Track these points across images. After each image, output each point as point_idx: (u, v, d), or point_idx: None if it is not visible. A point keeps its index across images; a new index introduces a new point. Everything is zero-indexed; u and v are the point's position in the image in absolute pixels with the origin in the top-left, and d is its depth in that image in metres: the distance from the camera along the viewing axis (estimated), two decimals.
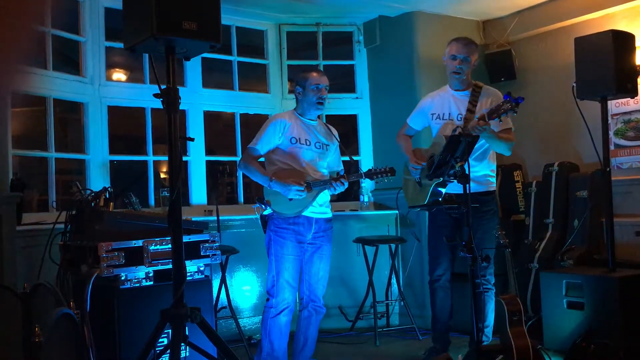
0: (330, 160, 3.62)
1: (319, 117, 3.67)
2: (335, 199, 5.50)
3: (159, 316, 2.51)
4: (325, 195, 3.51)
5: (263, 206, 3.41)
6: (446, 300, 3.78)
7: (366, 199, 5.25)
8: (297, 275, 3.46)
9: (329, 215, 3.59)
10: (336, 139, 3.66)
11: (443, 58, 3.79)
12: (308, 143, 3.50)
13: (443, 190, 3.49)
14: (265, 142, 3.48)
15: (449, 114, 3.69)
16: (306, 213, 3.42)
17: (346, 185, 3.41)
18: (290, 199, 3.37)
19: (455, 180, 3.14)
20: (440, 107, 3.74)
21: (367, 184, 5.25)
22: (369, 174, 3.46)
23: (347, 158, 3.78)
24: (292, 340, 3.60)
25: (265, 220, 3.47)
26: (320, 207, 3.50)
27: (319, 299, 3.56)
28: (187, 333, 2.57)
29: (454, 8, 5.14)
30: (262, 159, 3.62)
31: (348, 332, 4.90)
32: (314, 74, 3.54)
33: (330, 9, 5.20)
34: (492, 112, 3.27)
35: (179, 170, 2.50)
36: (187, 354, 2.84)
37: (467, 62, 3.66)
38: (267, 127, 3.49)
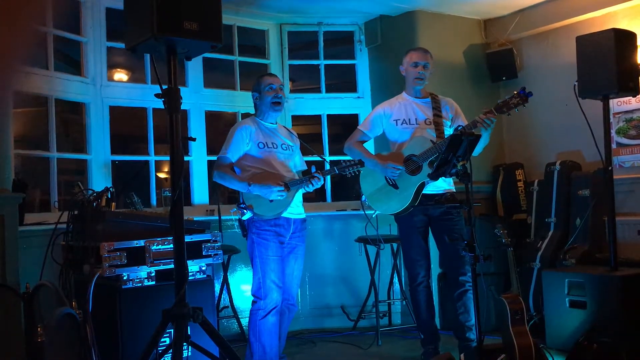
0: (296, 161, 3.72)
1: (277, 122, 3.75)
2: (336, 198, 5.57)
3: (161, 316, 2.51)
4: (299, 196, 3.59)
5: (244, 211, 3.44)
6: (431, 300, 3.83)
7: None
8: (281, 275, 3.49)
9: (304, 215, 3.66)
10: (297, 140, 3.78)
11: (400, 68, 3.94)
12: (275, 146, 3.58)
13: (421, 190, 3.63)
14: (235, 150, 3.52)
15: (416, 119, 3.81)
16: (285, 214, 3.48)
17: (322, 181, 3.47)
18: (271, 201, 3.42)
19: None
20: (403, 113, 3.85)
21: None
22: (341, 167, 3.52)
23: (318, 158, 3.81)
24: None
25: (244, 224, 3.51)
26: (297, 207, 3.57)
27: (293, 297, 3.61)
28: (189, 333, 2.58)
29: (455, 7, 5.14)
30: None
31: (350, 331, 4.90)
32: (266, 77, 3.67)
33: (332, 8, 5.20)
34: (502, 106, 3.39)
35: (180, 170, 2.50)
36: (189, 353, 2.85)
37: (427, 69, 3.83)
38: (234, 135, 3.54)
